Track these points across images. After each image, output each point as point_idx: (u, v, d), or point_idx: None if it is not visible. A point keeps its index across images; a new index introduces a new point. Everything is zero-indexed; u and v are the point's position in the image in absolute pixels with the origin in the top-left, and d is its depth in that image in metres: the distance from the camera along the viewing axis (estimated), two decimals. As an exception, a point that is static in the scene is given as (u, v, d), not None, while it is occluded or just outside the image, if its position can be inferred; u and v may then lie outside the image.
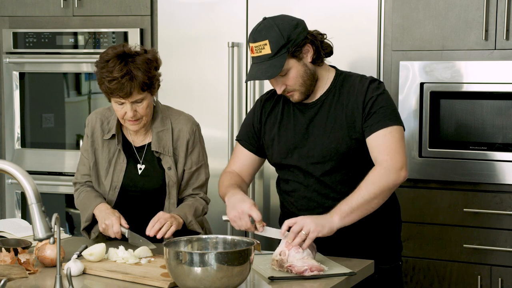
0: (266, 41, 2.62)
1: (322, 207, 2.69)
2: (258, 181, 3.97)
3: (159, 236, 2.75)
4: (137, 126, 2.91)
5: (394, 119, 2.68)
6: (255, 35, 2.66)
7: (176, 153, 2.97)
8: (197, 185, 3.02)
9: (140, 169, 2.99)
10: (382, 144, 2.65)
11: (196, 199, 3.00)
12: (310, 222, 2.52)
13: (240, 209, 2.60)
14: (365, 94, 2.69)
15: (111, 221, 2.81)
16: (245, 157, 2.90)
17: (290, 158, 2.78)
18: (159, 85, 2.97)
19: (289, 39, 2.63)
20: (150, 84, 2.84)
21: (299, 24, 2.68)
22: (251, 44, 2.67)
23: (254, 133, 2.87)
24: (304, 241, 2.50)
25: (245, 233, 3.93)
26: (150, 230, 2.75)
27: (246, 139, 2.90)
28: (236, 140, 2.95)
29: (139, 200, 2.99)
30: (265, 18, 2.71)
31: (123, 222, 2.82)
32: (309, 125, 2.76)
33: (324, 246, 2.71)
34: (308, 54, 2.69)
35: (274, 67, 2.62)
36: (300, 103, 2.77)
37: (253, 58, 2.68)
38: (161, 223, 2.77)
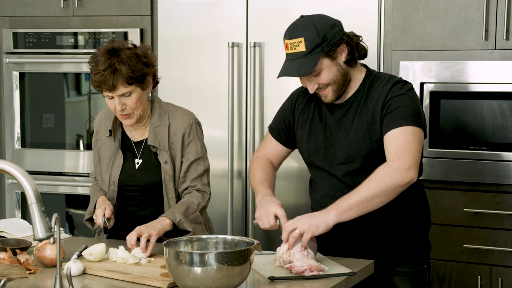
0: (302, 39, 2.61)
1: None
2: (258, 181, 3.97)
3: (147, 255, 2.67)
4: (130, 121, 2.93)
5: (411, 119, 2.61)
6: (291, 32, 2.65)
7: (173, 147, 2.98)
8: (195, 175, 3.00)
9: (138, 163, 3.01)
10: (394, 143, 2.61)
11: (191, 194, 2.98)
12: (304, 222, 2.53)
13: (267, 207, 2.64)
14: (386, 95, 2.66)
15: (95, 214, 2.91)
16: (274, 146, 2.94)
17: (317, 158, 2.78)
18: (157, 82, 3.01)
19: (324, 39, 2.62)
20: (138, 78, 2.87)
21: (336, 24, 2.67)
22: (286, 41, 2.66)
23: (285, 126, 2.88)
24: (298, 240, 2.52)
25: (245, 233, 3.94)
26: (131, 246, 2.71)
27: (277, 131, 2.92)
28: (268, 128, 2.97)
29: (138, 195, 3.01)
30: (302, 16, 2.69)
31: (107, 212, 2.87)
32: (337, 127, 2.75)
33: (336, 246, 2.72)
34: (342, 54, 2.67)
35: (307, 65, 2.61)
36: (331, 104, 2.75)
37: (287, 54, 2.67)
38: (136, 236, 2.71)
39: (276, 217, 2.62)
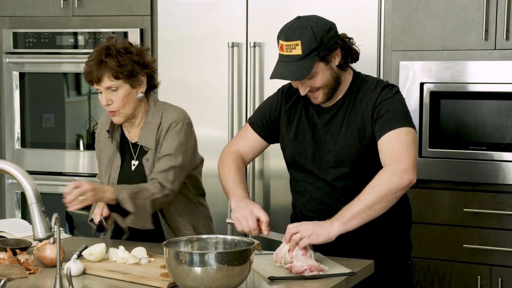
0: (298, 42, 2.59)
1: (332, 210, 2.63)
2: (258, 181, 3.97)
3: (71, 208, 2.67)
4: (117, 118, 2.93)
5: (402, 120, 2.63)
6: (288, 34, 2.62)
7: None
8: (160, 169, 2.91)
9: (134, 165, 3.00)
10: (389, 147, 2.61)
11: (152, 182, 2.90)
12: (307, 228, 2.52)
13: (248, 210, 2.61)
14: (375, 100, 2.67)
15: (93, 213, 2.90)
16: (253, 140, 2.91)
17: (304, 160, 2.77)
18: (155, 85, 3.00)
19: (321, 43, 2.60)
20: (126, 74, 2.86)
21: (332, 28, 2.66)
22: (281, 42, 2.64)
23: (269, 120, 2.87)
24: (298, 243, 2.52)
25: (244, 233, 3.93)
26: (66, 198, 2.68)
27: (259, 124, 2.89)
28: (248, 122, 2.94)
29: None
30: (299, 17, 2.68)
31: (105, 211, 2.86)
32: (325, 130, 2.75)
33: (329, 246, 2.71)
34: (336, 58, 2.67)
35: (303, 69, 2.60)
36: (319, 106, 2.76)
37: (280, 55, 2.65)
38: (76, 194, 2.67)
39: (258, 221, 2.60)
